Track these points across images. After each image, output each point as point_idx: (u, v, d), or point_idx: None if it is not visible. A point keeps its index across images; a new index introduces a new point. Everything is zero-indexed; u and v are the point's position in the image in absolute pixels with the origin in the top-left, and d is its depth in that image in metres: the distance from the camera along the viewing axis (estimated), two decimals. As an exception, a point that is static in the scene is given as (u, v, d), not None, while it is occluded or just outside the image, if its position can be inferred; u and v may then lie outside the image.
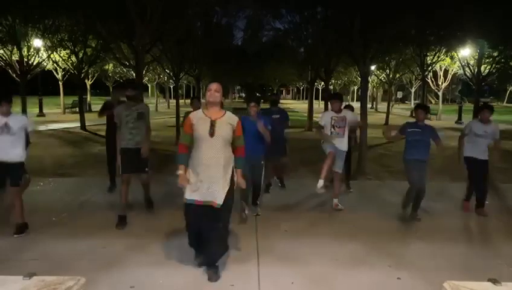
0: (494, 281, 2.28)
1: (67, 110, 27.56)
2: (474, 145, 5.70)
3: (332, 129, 5.67)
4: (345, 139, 5.71)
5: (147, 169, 5.37)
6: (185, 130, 3.69)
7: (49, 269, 3.45)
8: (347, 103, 9.74)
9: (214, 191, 3.54)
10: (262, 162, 5.44)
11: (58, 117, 24.10)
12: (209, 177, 3.54)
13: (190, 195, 3.59)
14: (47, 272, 2.47)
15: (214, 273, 3.63)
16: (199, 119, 3.63)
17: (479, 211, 5.70)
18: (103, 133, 8.43)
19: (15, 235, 4.58)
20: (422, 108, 5.50)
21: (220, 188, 3.55)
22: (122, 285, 3.51)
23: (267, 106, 7.08)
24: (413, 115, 5.78)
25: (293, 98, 77.48)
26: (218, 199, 3.53)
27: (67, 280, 2.23)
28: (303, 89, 63.08)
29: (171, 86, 40.50)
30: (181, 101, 21.62)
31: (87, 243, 4.48)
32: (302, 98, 66.43)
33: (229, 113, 3.73)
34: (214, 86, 3.67)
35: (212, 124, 3.57)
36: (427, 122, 5.53)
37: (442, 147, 5.42)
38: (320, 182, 5.41)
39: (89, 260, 4.01)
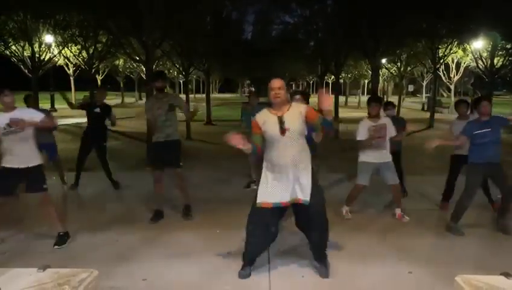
0: (507, 275, 2.27)
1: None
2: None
3: (373, 141, 5.05)
4: (387, 148, 5.07)
5: (181, 163, 5.08)
6: (253, 131, 3.45)
7: (62, 262, 3.49)
8: (388, 100, 8.82)
9: (296, 188, 3.35)
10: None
11: (69, 112, 24.26)
12: (289, 176, 3.33)
13: (273, 198, 3.34)
14: (61, 265, 2.51)
15: (326, 269, 3.57)
16: (266, 118, 3.39)
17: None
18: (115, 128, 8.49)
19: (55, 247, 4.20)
20: (486, 99, 4.81)
21: (305, 185, 3.34)
22: (134, 277, 3.54)
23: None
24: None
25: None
26: (304, 195, 3.33)
27: (81, 272, 2.27)
28: (313, 83, 62.69)
29: (181, 81, 40.56)
30: (191, 96, 21.61)
31: (100, 236, 4.54)
32: (312, 92, 66.03)
33: (294, 103, 3.47)
34: (277, 84, 3.32)
35: (281, 121, 3.31)
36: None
37: None
38: (345, 208, 5.20)
39: (102, 253, 4.07)
